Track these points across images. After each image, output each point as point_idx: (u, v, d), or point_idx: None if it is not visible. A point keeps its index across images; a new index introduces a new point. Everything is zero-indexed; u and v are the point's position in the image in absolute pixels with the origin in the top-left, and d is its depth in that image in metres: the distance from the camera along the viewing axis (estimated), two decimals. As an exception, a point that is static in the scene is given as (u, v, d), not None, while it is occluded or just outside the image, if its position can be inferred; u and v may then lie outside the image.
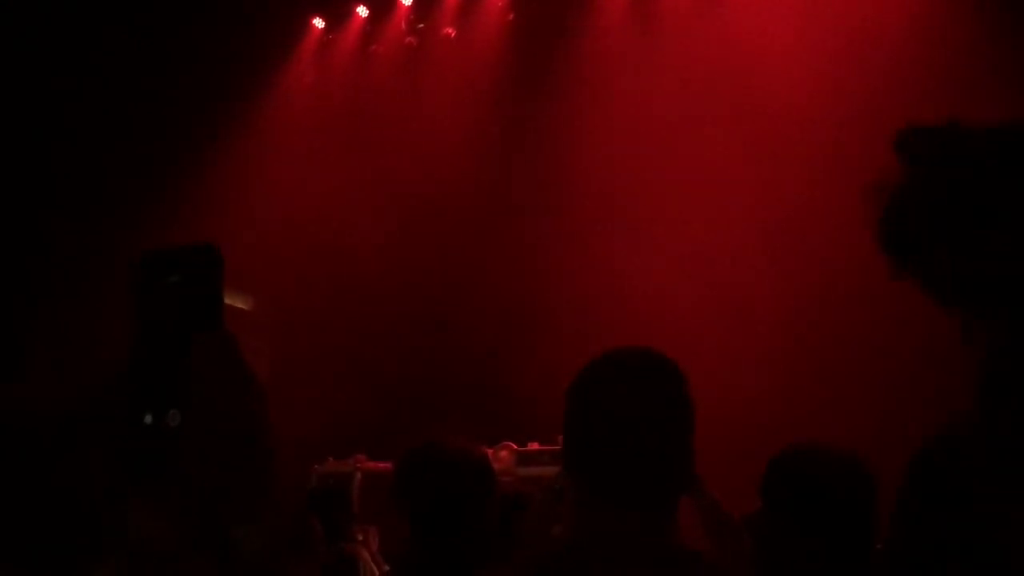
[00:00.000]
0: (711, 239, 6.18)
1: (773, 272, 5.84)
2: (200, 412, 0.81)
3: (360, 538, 4.44)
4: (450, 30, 7.87)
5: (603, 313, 5.99)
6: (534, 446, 5.82)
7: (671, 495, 1.46)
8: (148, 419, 0.82)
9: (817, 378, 5.55)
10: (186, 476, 0.80)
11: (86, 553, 0.87)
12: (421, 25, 7.97)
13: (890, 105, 5.66)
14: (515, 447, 5.72)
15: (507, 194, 7.04)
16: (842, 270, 5.73)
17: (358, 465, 6.42)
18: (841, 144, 5.83)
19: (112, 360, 0.88)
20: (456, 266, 7.11)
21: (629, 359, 1.51)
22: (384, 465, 6.41)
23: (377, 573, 3.91)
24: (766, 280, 5.86)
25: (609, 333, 5.48)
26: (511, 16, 7.60)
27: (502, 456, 5.52)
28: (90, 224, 6.83)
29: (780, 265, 5.83)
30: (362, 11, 8.16)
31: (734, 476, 2.47)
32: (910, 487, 1.15)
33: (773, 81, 6.14)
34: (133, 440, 0.82)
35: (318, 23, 8.26)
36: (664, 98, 6.56)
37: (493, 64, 7.60)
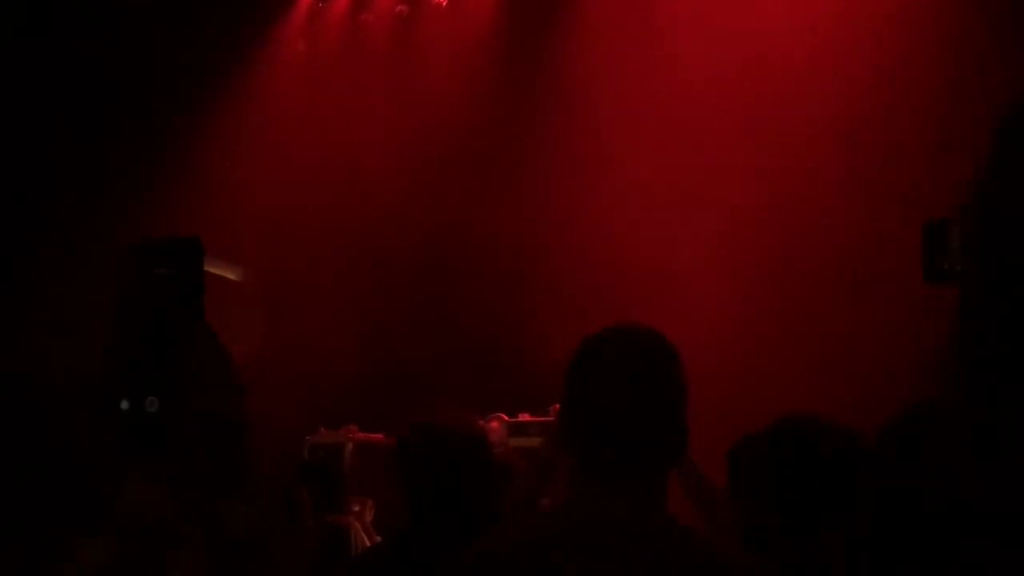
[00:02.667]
0: (717, 202, 6.14)
1: (778, 236, 5.84)
2: (184, 400, 0.83)
3: (356, 509, 4.47)
4: (441, -1, 7.80)
5: (603, 282, 5.99)
6: (524, 417, 5.85)
7: (660, 472, 1.48)
8: (124, 405, 0.84)
9: (816, 350, 5.57)
10: (172, 456, 0.81)
11: (70, 529, 0.88)
12: (412, -7, 7.91)
13: (899, 63, 5.65)
14: (505, 418, 5.74)
15: (505, 161, 7.00)
16: (848, 236, 5.74)
17: (349, 436, 6.44)
18: (848, 102, 5.82)
19: (98, 346, 0.89)
20: (452, 236, 7.10)
21: (622, 336, 1.53)
22: (376, 436, 6.44)
23: (368, 544, 3.94)
24: (772, 244, 5.86)
25: (608, 303, 5.51)
26: (503, -16, 7.54)
27: (492, 427, 5.54)
28: (86, 200, 6.80)
29: (787, 228, 5.83)
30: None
31: (719, 447, 2.49)
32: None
33: (777, 39, 6.11)
34: (111, 423, 0.84)
35: (307, -8, 8.17)
36: (666, 59, 6.52)
37: (485, 32, 7.54)
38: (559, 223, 6.49)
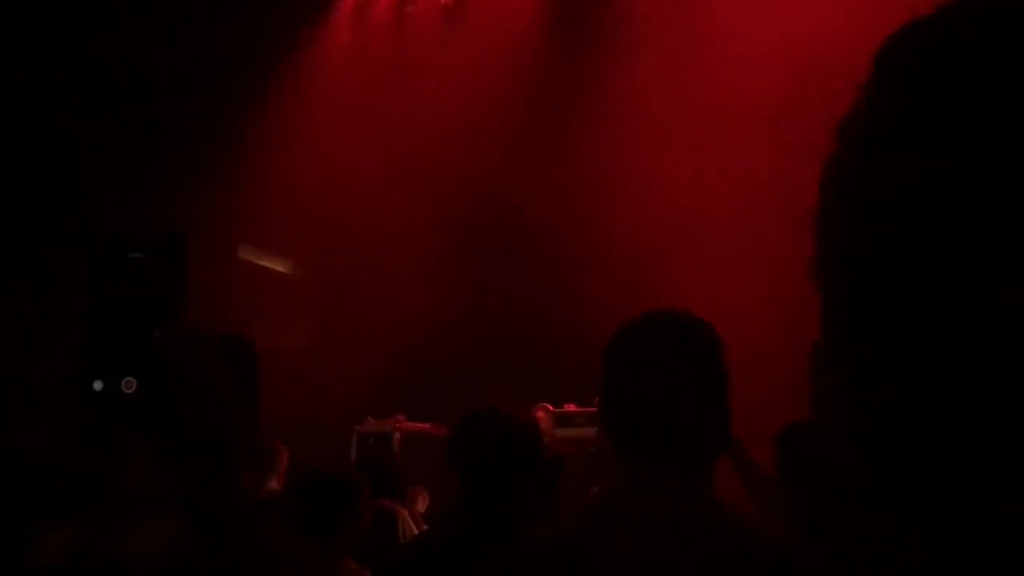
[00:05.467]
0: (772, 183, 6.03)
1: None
2: (164, 382, 0.84)
3: (408, 497, 4.52)
4: (486, -11, 7.80)
5: (647, 272, 5.93)
6: (570, 407, 5.84)
7: (705, 456, 1.47)
8: (97, 386, 0.84)
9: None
10: (158, 436, 0.83)
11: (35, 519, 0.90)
12: (457, -16, 7.92)
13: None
14: (551, 408, 5.75)
15: (552, 150, 6.97)
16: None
17: (397, 425, 6.50)
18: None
19: (72, 329, 0.90)
20: (498, 225, 7.10)
21: (663, 321, 1.52)
22: (423, 426, 6.49)
23: (416, 531, 3.98)
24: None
25: (658, 292, 5.46)
26: (548, -26, 7.53)
27: (539, 417, 5.54)
28: (129, 194, 6.88)
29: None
30: (397, -28, 8.12)
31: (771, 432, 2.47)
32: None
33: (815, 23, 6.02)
34: (87, 405, 0.85)
35: (354, -16, 8.24)
36: (706, 45, 6.45)
37: (530, 22, 7.54)
38: (606, 212, 6.45)
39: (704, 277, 5.44)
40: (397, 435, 6.41)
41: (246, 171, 7.27)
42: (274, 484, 3.97)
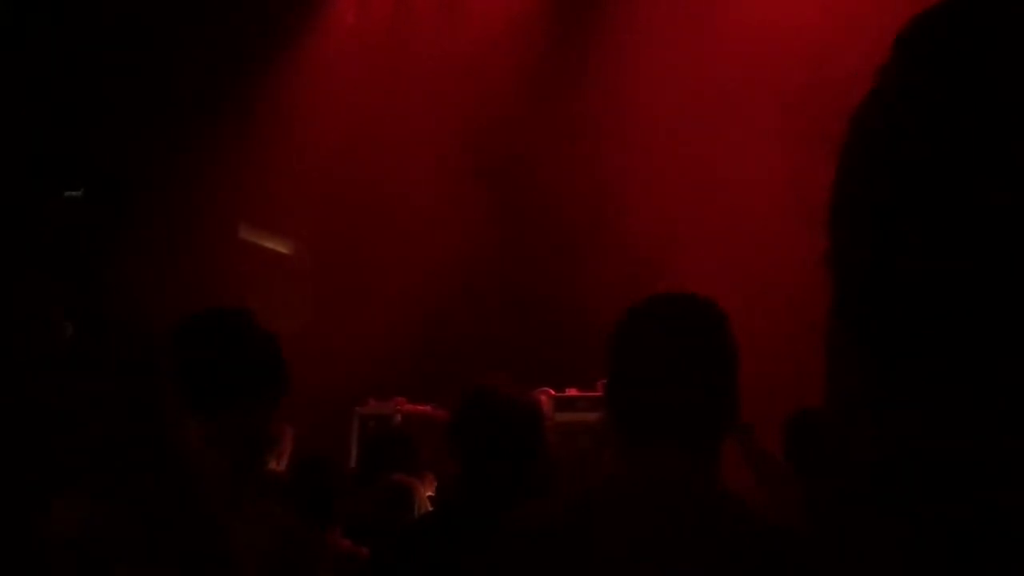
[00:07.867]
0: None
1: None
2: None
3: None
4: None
5: (656, 256, 5.89)
6: (572, 392, 5.83)
7: (712, 440, 1.46)
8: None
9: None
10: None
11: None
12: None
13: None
14: (553, 392, 5.74)
15: (557, 133, 6.91)
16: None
17: (398, 407, 6.50)
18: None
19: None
20: (504, 204, 7.07)
21: (668, 303, 1.51)
22: (424, 408, 6.48)
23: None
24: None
25: (660, 277, 5.44)
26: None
27: (540, 401, 5.53)
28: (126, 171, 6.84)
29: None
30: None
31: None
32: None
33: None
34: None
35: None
36: (717, 28, 6.40)
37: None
38: (613, 195, 6.40)
39: (711, 264, 5.41)
40: (398, 417, 6.41)
41: (246, 154, 7.23)
42: (276, 464, 3.96)
